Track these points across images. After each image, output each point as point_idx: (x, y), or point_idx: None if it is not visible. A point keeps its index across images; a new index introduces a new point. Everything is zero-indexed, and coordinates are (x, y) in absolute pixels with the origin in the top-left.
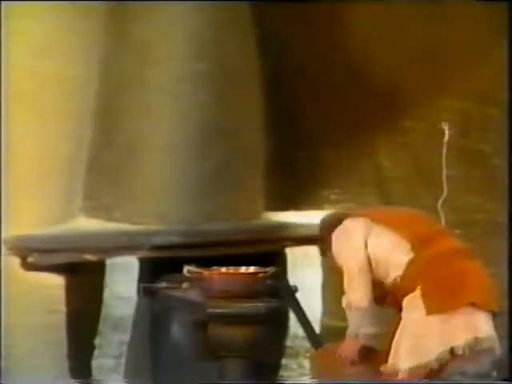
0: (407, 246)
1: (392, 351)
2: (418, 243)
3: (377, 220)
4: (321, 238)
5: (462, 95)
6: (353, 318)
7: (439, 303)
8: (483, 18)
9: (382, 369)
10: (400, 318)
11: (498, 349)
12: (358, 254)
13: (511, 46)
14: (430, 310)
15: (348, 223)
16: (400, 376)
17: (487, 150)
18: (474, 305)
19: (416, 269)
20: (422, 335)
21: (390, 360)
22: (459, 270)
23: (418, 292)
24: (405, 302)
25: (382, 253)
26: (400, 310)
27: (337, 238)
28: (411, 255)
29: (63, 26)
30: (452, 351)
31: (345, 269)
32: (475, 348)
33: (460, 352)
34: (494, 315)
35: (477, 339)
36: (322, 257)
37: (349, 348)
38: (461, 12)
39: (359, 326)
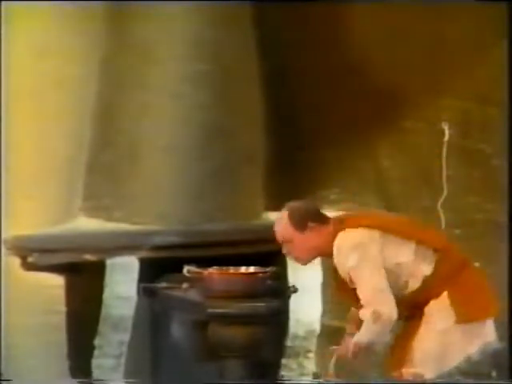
0: (428, 255)
1: (418, 360)
2: (435, 253)
3: (387, 229)
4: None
5: (462, 95)
6: (380, 331)
7: (470, 312)
8: (483, 18)
9: (396, 374)
10: (407, 326)
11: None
12: (379, 268)
13: (511, 46)
14: (461, 319)
15: (362, 236)
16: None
17: (487, 150)
18: (495, 315)
19: (440, 276)
20: (448, 344)
21: (410, 366)
22: (477, 279)
23: (444, 299)
24: (427, 309)
25: (403, 264)
26: (405, 318)
27: (351, 251)
28: (432, 266)
29: (63, 26)
30: (469, 359)
31: (366, 283)
32: (485, 352)
33: (475, 359)
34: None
35: (487, 343)
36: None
37: (350, 351)
38: (461, 12)
39: (383, 338)
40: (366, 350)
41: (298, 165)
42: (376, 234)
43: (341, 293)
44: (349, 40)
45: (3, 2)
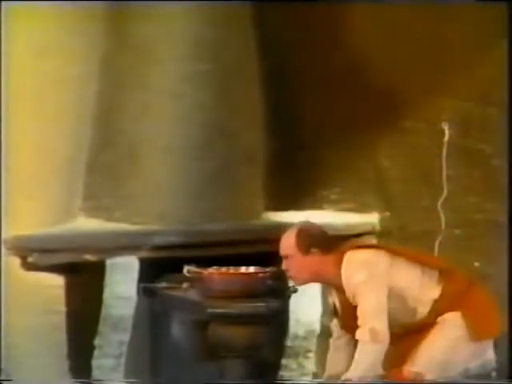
0: (434, 279)
1: (416, 359)
2: (442, 276)
3: (394, 251)
4: (294, 245)
5: (462, 95)
6: (374, 353)
7: (483, 331)
8: (483, 18)
9: (395, 371)
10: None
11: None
12: (385, 288)
13: (511, 46)
14: (475, 337)
15: (371, 254)
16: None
17: (487, 150)
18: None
19: (449, 297)
20: (454, 354)
21: (411, 366)
22: (486, 298)
23: (457, 316)
24: (441, 318)
25: (409, 289)
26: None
27: (360, 266)
28: (439, 289)
29: (63, 25)
30: (467, 370)
31: (369, 300)
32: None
33: (474, 372)
34: None
35: (487, 361)
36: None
37: None
38: (461, 12)
39: (377, 362)
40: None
41: (298, 165)
42: (384, 254)
43: (347, 321)
44: (349, 40)
45: (3, 2)
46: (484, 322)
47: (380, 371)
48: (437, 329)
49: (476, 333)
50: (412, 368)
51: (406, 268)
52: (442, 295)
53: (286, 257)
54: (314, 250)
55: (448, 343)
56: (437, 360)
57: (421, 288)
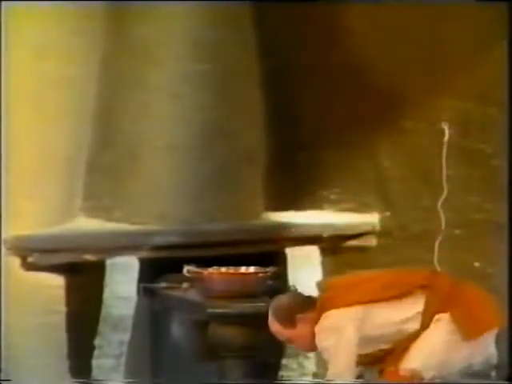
0: (411, 297)
1: (421, 359)
2: (423, 285)
3: (369, 300)
4: (278, 320)
5: (462, 95)
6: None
7: (475, 328)
8: (483, 18)
9: (391, 369)
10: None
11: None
12: (352, 348)
13: (511, 46)
14: (468, 336)
15: (341, 319)
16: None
17: (487, 150)
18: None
19: (435, 307)
20: (452, 352)
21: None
22: (476, 294)
23: (446, 317)
24: (437, 317)
25: (390, 323)
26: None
27: (325, 333)
28: (422, 300)
29: (63, 26)
30: (470, 366)
31: (335, 365)
32: (488, 363)
33: (476, 368)
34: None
35: (490, 355)
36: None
37: None
38: (461, 12)
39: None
40: None
41: (298, 165)
42: (357, 311)
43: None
44: (349, 40)
45: (3, 2)
46: (474, 319)
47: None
48: (433, 327)
49: (467, 332)
50: (409, 366)
51: (384, 310)
52: (426, 306)
53: (284, 339)
54: (298, 317)
55: (444, 343)
56: (434, 360)
57: (401, 321)
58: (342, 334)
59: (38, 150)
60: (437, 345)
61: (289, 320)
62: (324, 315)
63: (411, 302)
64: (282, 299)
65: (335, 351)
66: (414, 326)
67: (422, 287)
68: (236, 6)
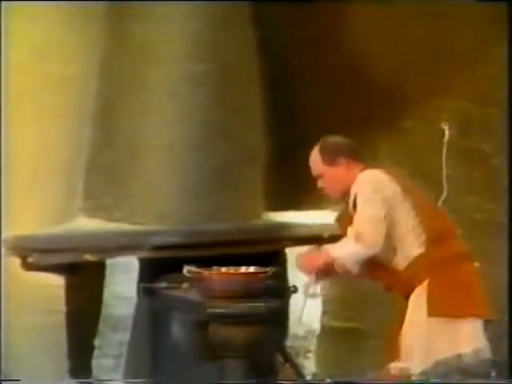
0: (422, 238)
1: (403, 353)
2: (432, 239)
3: (408, 194)
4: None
5: (462, 95)
6: (355, 252)
7: (443, 307)
8: (483, 18)
9: (390, 368)
10: (404, 306)
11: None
12: (385, 205)
13: (511, 46)
14: (432, 312)
15: (384, 175)
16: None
17: (487, 150)
18: (477, 316)
19: (425, 264)
20: (431, 338)
21: (402, 362)
22: (466, 277)
23: (423, 289)
24: (411, 299)
25: (400, 229)
26: (405, 297)
27: (368, 183)
28: (422, 249)
29: (63, 26)
30: (459, 357)
31: (366, 209)
32: (479, 358)
33: (468, 360)
34: (487, 322)
35: (479, 350)
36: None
37: (313, 262)
38: (461, 12)
39: (355, 261)
40: (337, 267)
41: (298, 165)
42: (396, 186)
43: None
44: (349, 40)
45: (3, 2)
46: (451, 299)
47: (356, 272)
48: (407, 316)
49: (434, 309)
50: (398, 364)
51: (408, 214)
52: (422, 256)
53: (317, 175)
54: (340, 159)
55: (420, 328)
56: (414, 348)
57: (409, 237)
58: (382, 186)
59: (37, 149)
60: (415, 333)
61: (331, 157)
62: (368, 170)
63: (418, 236)
64: (332, 138)
65: (369, 198)
66: (404, 261)
67: (433, 240)
68: (236, 5)
